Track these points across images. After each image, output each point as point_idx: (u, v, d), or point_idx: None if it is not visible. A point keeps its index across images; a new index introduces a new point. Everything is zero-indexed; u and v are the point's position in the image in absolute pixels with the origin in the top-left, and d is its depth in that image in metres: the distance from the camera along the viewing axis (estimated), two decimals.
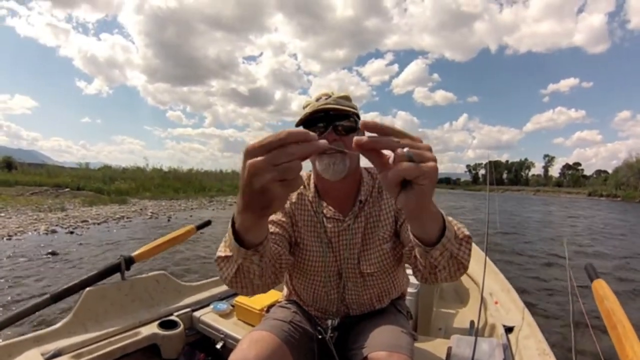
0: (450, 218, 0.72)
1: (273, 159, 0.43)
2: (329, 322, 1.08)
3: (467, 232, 0.77)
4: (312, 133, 0.44)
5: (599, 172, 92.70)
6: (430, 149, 0.47)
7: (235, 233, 0.63)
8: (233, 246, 0.65)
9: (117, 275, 1.49)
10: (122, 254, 1.53)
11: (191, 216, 10.97)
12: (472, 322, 1.71)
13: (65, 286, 1.37)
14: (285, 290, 1.25)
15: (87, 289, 1.39)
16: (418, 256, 0.71)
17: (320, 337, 1.05)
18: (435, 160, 0.47)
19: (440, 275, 0.75)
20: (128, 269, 1.51)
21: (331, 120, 0.93)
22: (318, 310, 1.14)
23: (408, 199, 0.49)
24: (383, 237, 1.02)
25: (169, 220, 9.93)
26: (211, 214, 12.01)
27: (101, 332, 1.32)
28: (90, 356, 1.21)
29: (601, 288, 1.03)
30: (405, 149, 0.45)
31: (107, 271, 1.46)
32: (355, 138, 0.46)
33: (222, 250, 0.79)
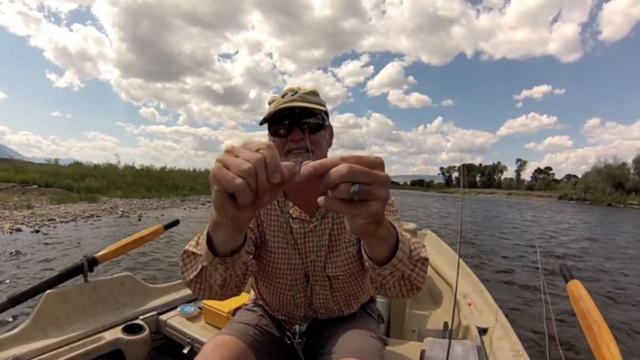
0: (408, 236, 0.70)
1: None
2: (297, 327, 1.05)
3: (423, 254, 0.73)
4: (287, 166, 0.41)
5: (569, 176, 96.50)
6: (385, 183, 0.42)
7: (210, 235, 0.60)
8: (203, 247, 0.62)
9: (80, 277, 1.41)
10: (85, 254, 1.45)
11: (162, 215, 10.76)
12: (445, 324, 1.71)
13: (24, 289, 1.28)
14: (252, 292, 1.21)
15: (48, 291, 1.31)
16: (369, 270, 0.68)
17: (288, 342, 1.02)
18: (385, 199, 0.43)
19: (389, 292, 0.73)
20: (91, 270, 1.43)
21: (297, 118, 0.89)
22: (285, 314, 1.10)
23: (351, 225, 0.48)
24: (349, 240, 0.97)
25: (139, 219, 9.70)
26: (183, 213, 11.84)
27: (62, 338, 1.25)
28: None
29: (576, 289, 1.04)
30: (353, 188, 0.40)
31: (69, 273, 1.37)
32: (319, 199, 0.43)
33: (193, 246, 0.75)
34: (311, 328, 1.06)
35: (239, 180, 0.38)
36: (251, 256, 0.90)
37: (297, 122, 0.89)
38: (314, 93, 0.95)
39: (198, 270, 0.72)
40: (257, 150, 0.40)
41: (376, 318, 1.18)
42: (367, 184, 0.40)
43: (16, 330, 1.22)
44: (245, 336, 0.93)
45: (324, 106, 0.95)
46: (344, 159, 0.41)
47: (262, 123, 0.93)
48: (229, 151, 0.42)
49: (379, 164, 0.42)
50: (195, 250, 0.74)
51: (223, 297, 0.78)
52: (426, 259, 0.73)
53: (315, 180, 0.41)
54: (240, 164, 0.39)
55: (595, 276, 5.71)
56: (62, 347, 1.22)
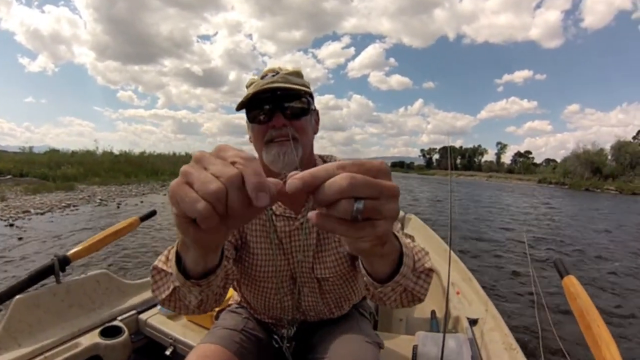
0: (411, 244, 0.63)
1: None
2: (285, 331, 0.98)
3: (428, 265, 0.67)
4: (272, 182, 0.32)
5: (548, 160, 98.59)
6: (394, 195, 0.34)
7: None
8: (172, 267, 0.54)
9: (52, 279, 1.31)
10: (56, 253, 1.35)
11: (142, 202, 10.57)
12: (433, 312, 1.70)
13: None
14: (235, 293, 1.13)
15: (17, 297, 1.21)
16: (367, 284, 0.60)
17: (276, 345, 0.97)
18: (394, 216, 0.34)
19: (388, 303, 0.66)
20: (63, 270, 1.33)
21: (279, 102, 0.79)
22: (271, 318, 1.03)
23: (352, 247, 0.40)
24: (340, 240, 0.89)
25: (118, 207, 9.49)
26: (163, 199, 11.62)
27: (36, 346, 1.15)
28: None
29: (572, 285, 1.00)
30: (356, 205, 0.31)
31: (39, 274, 1.27)
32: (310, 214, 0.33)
33: (162, 262, 0.67)
34: (300, 331, 1.00)
35: (201, 205, 0.30)
36: (231, 261, 0.82)
37: (279, 107, 0.79)
38: (298, 74, 0.85)
39: (170, 290, 0.64)
40: (233, 163, 0.32)
41: (368, 317, 1.12)
42: (373, 198, 0.32)
43: None
44: (231, 344, 0.87)
45: (309, 88, 0.85)
46: (342, 167, 0.32)
47: (239, 108, 0.82)
48: (197, 160, 0.33)
49: (384, 172, 0.34)
50: (165, 268, 0.66)
51: (202, 312, 0.70)
52: (431, 270, 0.67)
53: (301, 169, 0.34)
54: (206, 182, 0.31)
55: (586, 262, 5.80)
56: (36, 356, 1.13)
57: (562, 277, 1.09)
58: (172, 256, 0.54)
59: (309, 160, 0.89)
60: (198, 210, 0.30)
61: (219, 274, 0.56)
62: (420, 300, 0.68)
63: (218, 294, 0.70)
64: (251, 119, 0.82)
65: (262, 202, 0.30)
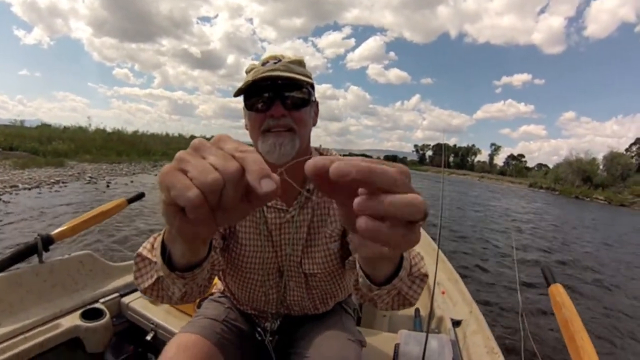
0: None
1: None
2: (268, 324, 0.97)
3: (423, 270, 0.67)
4: (273, 179, 0.29)
5: (540, 165, 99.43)
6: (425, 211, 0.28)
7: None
8: (157, 257, 0.53)
9: (35, 258, 1.29)
10: (39, 232, 1.32)
11: (132, 182, 10.50)
12: (417, 310, 1.70)
13: None
14: (219, 282, 1.11)
15: None
16: (360, 285, 0.58)
17: (259, 337, 0.96)
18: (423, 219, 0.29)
19: (379, 305, 0.65)
20: (46, 250, 1.31)
21: (279, 91, 0.76)
22: (255, 309, 1.01)
23: (361, 248, 0.37)
24: (330, 235, 0.87)
25: (107, 186, 9.40)
26: (154, 179, 11.49)
27: (17, 326, 1.13)
28: (3, 356, 1.03)
29: (559, 294, 1.00)
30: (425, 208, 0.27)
31: (21, 254, 1.25)
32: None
33: (147, 249, 0.65)
34: (283, 325, 0.99)
35: (192, 193, 0.28)
36: (218, 250, 0.81)
37: (279, 96, 0.76)
38: (300, 62, 0.82)
39: (153, 279, 0.63)
40: (234, 157, 0.29)
41: (352, 313, 1.11)
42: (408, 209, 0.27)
43: None
44: (212, 334, 0.86)
45: (311, 78, 0.82)
46: (399, 170, 0.28)
47: (237, 94, 0.79)
48: (196, 148, 0.31)
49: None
50: (149, 256, 0.64)
51: (185, 303, 0.69)
52: (425, 275, 0.67)
53: (298, 165, 0.32)
54: (204, 171, 0.28)
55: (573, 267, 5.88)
56: (16, 335, 1.11)
57: (548, 284, 1.10)
58: (158, 245, 0.53)
59: (305, 152, 0.86)
60: (189, 198, 0.28)
61: (205, 267, 0.54)
62: (411, 305, 0.68)
63: (203, 286, 0.69)
64: (249, 106, 0.79)
65: (268, 186, 0.28)
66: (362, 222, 0.26)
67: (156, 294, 0.66)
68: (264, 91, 0.76)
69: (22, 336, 1.12)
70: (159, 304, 1.40)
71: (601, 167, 44.31)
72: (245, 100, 0.80)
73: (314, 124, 0.88)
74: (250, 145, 0.85)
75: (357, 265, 0.56)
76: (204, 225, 0.32)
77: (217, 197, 0.29)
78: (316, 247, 0.89)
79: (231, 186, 0.29)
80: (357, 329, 1.05)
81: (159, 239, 0.53)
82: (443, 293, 1.73)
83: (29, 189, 7.92)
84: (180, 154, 0.31)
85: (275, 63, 0.78)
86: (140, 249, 0.67)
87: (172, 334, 1.23)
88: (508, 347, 2.53)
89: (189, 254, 0.49)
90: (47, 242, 1.30)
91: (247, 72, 0.83)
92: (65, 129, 21.75)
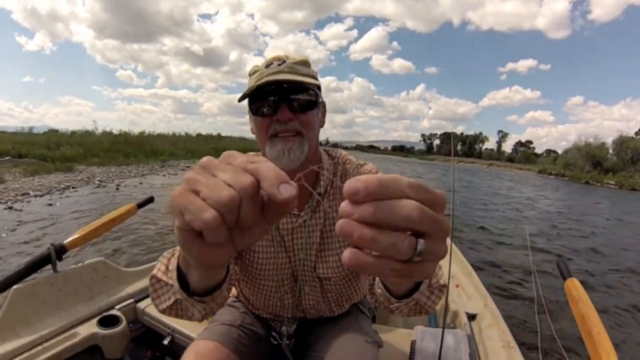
0: None
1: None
2: (284, 328, 0.97)
3: (442, 281, 0.65)
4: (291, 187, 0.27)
5: (548, 151, 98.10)
6: (447, 233, 0.28)
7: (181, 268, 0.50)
8: (174, 280, 0.52)
9: (49, 268, 1.30)
10: (53, 242, 1.33)
11: (141, 183, 10.52)
12: None
13: None
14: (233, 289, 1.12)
15: (14, 287, 1.19)
16: (377, 295, 0.58)
17: (275, 342, 0.95)
18: (442, 256, 0.28)
19: (396, 313, 0.64)
20: (60, 259, 1.31)
21: (285, 94, 0.74)
22: (270, 314, 1.01)
23: (385, 278, 0.38)
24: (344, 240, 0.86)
25: (117, 189, 9.41)
26: (162, 180, 11.59)
27: (35, 336, 1.14)
28: None
29: (575, 288, 0.99)
30: (419, 246, 0.26)
31: (36, 264, 1.26)
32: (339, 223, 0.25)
33: (162, 271, 0.64)
34: (299, 328, 0.99)
35: (209, 214, 0.26)
36: (233, 261, 0.80)
37: (285, 99, 0.74)
38: (305, 63, 0.79)
39: (172, 301, 0.62)
40: (245, 169, 0.28)
41: (368, 313, 1.11)
42: (431, 236, 0.26)
43: None
44: (229, 340, 0.86)
45: (317, 79, 0.80)
46: (413, 187, 0.26)
47: (241, 100, 0.77)
48: (205, 167, 0.29)
49: (442, 205, 0.27)
50: (164, 279, 0.63)
51: (205, 318, 0.68)
52: (444, 286, 0.65)
53: (304, 168, 0.31)
54: (217, 189, 0.27)
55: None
56: (35, 346, 1.12)
57: (564, 279, 1.08)
58: (173, 268, 0.52)
59: (313, 155, 0.85)
60: (205, 219, 0.26)
61: (224, 288, 0.54)
62: (428, 313, 0.67)
63: (223, 301, 0.68)
64: (254, 111, 0.77)
65: (287, 192, 0.26)
66: (347, 256, 0.26)
67: (175, 313, 0.65)
68: (270, 95, 0.75)
69: (40, 346, 1.13)
70: None
71: (611, 151, 43.65)
72: (250, 105, 0.78)
73: (322, 125, 0.87)
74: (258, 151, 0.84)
75: (379, 282, 0.55)
76: (221, 249, 0.30)
77: (234, 216, 0.27)
78: (330, 251, 0.88)
79: (248, 201, 0.27)
80: (373, 330, 1.05)
81: (174, 261, 0.52)
82: (457, 286, 1.72)
83: (40, 196, 7.96)
84: (189, 174, 0.29)
85: (279, 64, 0.76)
86: (155, 271, 0.66)
87: (189, 337, 1.24)
88: (524, 340, 2.50)
89: (206, 278, 0.48)
90: (61, 251, 1.31)
91: (251, 74, 0.81)
92: (72, 133, 21.92)
